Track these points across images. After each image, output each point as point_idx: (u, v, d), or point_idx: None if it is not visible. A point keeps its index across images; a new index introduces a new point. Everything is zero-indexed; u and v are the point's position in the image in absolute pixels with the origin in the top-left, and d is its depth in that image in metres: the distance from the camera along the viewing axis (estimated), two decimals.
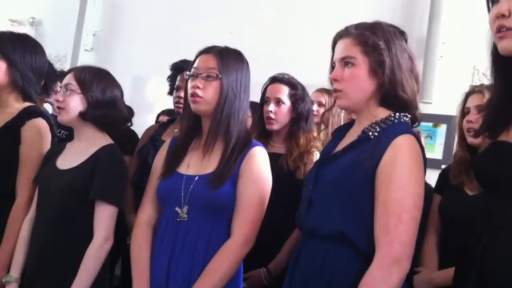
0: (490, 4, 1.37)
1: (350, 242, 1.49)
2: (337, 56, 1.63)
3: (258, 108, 2.60)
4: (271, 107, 2.47)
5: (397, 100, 1.58)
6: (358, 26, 1.62)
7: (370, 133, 1.56)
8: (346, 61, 1.59)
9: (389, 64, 1.56)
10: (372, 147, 1.52)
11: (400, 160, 1.47)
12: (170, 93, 2.95)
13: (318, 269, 1.53)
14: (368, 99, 1.60)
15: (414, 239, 1.46)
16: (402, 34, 1.64)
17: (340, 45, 1.63)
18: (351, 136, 1.64)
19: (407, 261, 1.43)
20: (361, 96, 1.59)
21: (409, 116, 1.60)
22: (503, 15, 1.30)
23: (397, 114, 1.58)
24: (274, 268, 2.31)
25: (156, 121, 4.12)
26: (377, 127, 1.57)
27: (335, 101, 2.48)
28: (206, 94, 1.84)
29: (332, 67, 1.66)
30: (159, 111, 4.29)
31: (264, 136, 2.51)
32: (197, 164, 1.87)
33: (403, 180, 1.46)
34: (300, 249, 1.64)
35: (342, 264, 1.50)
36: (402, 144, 1.49)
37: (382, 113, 1.60)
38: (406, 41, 1.64)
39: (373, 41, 1.57)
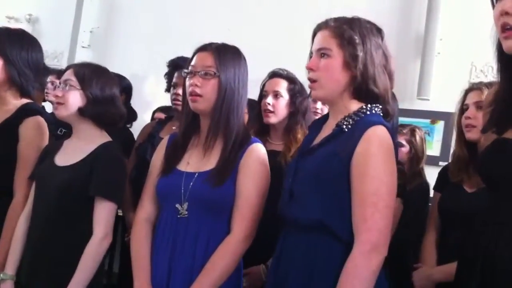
0: (495, 0, 1.36)
1: (330, 232, 1.55)
2: (315, 47, 1.69)
3: (256, 105, 2.59)
4: (269, 99, 2.48)
5: (368, 93, 1.64)
6: (337, 20, 1.68)
7: (344, 126, 1.62)
8: (323, 52, 1.65)
9: (363, 58, 1.62)
10: (346, 139, 1.59)
11: (372, 151, 1.54)
12: (168, 90, 2.94)
13: (300, 260, 1.59)
14: (342, 92, 1.66)
15: (390, 226, 1.54)
16: (378, 31, 1.70)
17: (318, 36, 1.69)
18: (327, 129, 1.70)
19: (384, 246, 1.52)
20: (334, 87, 1.65)
21: (380, 107, 1.66)
22: (507, 13, 1.29)
23: (369, 105, 1.65)
24: None
25: (152, 118, 4.12)
26: (350, 120, 1.63)
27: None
28: (204, 92, 1.84)
29: (311, 57, 1.71)
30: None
31: (262, 132, 2.51)
32: (197, 162, 1.88)
33: (377, 170, 1.53)
34: (283, 240, 1.69)
35: (323, 253, 1.56)
36: (373, 136, 1.55)
37: (355, 105, 1.66)
38: (382, 38, 1.69)
39: (349, 35, 1.63)
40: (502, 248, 1.32)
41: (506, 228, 1.32)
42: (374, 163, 1.53)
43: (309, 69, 1.67)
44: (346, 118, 1.63)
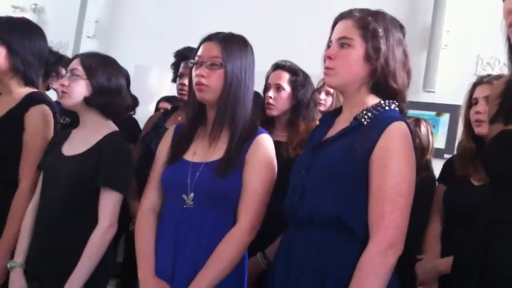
0: None
1: (346, 228, 1.53)
2: (335, 36, 1.66)
3: (261, 97, 2.60)
4: (271, 93, 2.50)
5: (387, 88, 1.62)
6: (362, 11, 1.65)
7: (363, 120, 1.59)
8: (343, 42, 1.62)
9: (385, 52, 1.60)
10: (366, 133, 1.56)
11: (394, 147, 1.52)
12: (174, 80, 2.94)
13: (312, 257, 1.56)
14: (360, 85, 1.63)
15: (407, 223, 1.52)
16: (401, 28, 1.68)
17: (340, 25, 1.66)
18: (341, 122, 1.67)
19: (401, 244, 1.50)
20: (351, 78, 1.62)
21: (396, 103, 1.64)
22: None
23: (387, 101, 1.62)
24: (270, 253, 2.31)
25: (156, 108, 4.12)
26: (369, 113, 1.60)
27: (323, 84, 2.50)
28: (210, 82, 1.84)
29: (329, 46, 1.68)
30: None
31: (267, 124, 2.52)
32: (203, 152, 1.87)
33: (398, 167, 1.51)
34: (292, 238, 1.65)
35: (337, 250, 1.53)
36: (395, 131, 1.54)
37: (372, 100, 1.64)
38: (404, 35, 1.67)
39: (374, 27, 1.60)
40: (501, 246, 1.31)
41: (507, 225, 1.32)
42: (395, 159, 1.51)
43: (327, 57, 1.64)
44: (364, 112, 1.60)
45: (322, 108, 2.80)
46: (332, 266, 1.53)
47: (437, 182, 2.52)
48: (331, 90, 2.75)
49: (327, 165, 1.58)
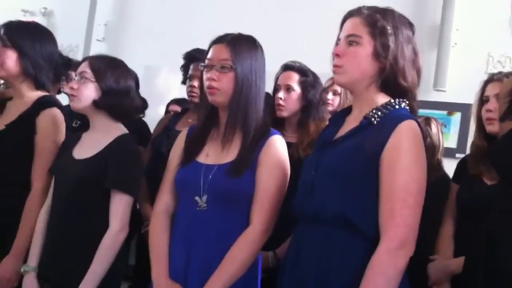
0: None
1: (351, 226, 1.51)
2: (344, 33, 1.65)
3: (271, 98, 2.60)
4: (281, 94, 2.50)
5: (397, 87, 1.61)
6: (370, 8, 1.64)
7: (373, 119, 1.58)
8: (351, 40, 1.61)
9: (394, 50, 1.58)
10: (375, 132, 1.55)
11: (404, 146, 1.50)
12: (184, 82, 2.95)
13: (317, 253, 1.56)
14: (369, 84, 1.62)
15: (418, 223, 1.50)
16: (410, 25, 1.66)
17: (349, 23, 1.65)
18: (351, 121, 1.66)
19: (412, 244, 1.48)
20: (359, 76, 1.61)
21: (407, 102, 1.62)
22: None
23: (397, 99, 1.61)
24: (281, 252, 2.32)
25: (166, 111, 4.13)
26: (379, 113, 1.59)
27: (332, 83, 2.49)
28: (221, 85, 1.84)
29: (337, 44, 1.67)
30: None
31: (277, 125, 2.51)
32: (216, 154, 1.87)
33: (408, 165, 1.49)
34: (302, 236, 1.65)
35: (341, 249, 1.52)
36: (406, 130, 1.52)
37: (382, 98, 1.62)
38: (413, 33, 1.66)
39: (382, 25, 1.59)
40: (505, 246, 1.30)
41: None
42: (406, 158, 1.49)
43: (335, 55, 1.63)
44: (374, 111, 1.59)
45: (330, 108, 2.79)
46: (336, 264, 1.52)
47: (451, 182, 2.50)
48: (339, 90, 2.74)
49: (333, 163, 1.58)
